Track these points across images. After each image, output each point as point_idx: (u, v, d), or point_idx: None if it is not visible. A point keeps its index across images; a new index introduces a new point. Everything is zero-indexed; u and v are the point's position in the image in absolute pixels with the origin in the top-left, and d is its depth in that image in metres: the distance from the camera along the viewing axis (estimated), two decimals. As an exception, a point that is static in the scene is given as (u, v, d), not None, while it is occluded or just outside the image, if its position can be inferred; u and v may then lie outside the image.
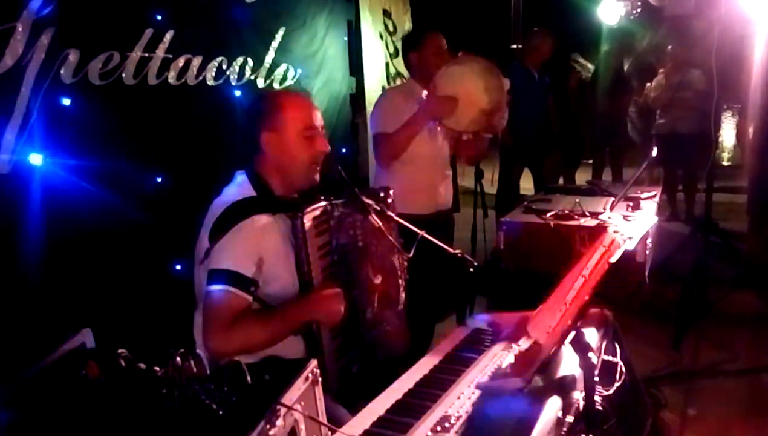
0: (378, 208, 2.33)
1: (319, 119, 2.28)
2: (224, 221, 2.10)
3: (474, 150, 3.85)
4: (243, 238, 2.07)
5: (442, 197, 3.76)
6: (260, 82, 4.05)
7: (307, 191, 2.28)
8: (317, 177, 2.27)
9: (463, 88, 3.43)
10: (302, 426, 1.50)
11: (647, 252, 3.48)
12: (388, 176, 3.57)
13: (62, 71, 2.88)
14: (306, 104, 2.28)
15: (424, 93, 3.56)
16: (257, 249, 2.09)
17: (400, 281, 2.45)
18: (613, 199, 3.83)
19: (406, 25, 5.76)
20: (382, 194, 2.46)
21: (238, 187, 2.22)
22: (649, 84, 7.63)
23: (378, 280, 2.35)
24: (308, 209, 2.15)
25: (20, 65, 2.72)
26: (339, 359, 2.23)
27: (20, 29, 2.70)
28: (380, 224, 2.27)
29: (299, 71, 4.37)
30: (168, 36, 3.32)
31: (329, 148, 2.28)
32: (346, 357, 2.26)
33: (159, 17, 3.27)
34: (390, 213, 2.39)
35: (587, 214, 3.63)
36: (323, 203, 2.21)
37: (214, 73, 3.66)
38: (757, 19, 5.08)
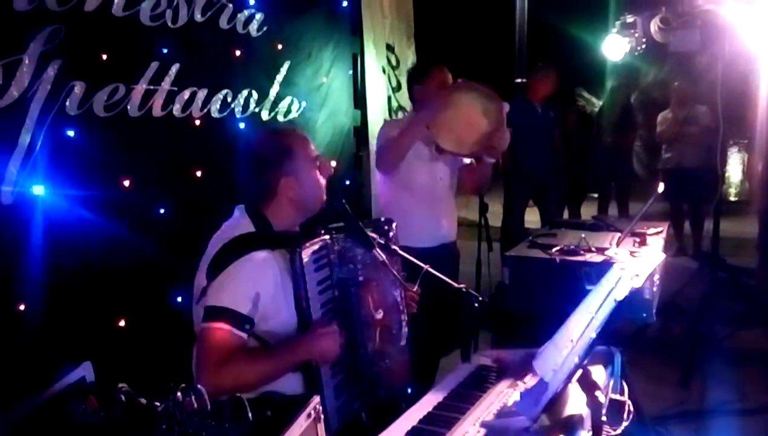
0: (381, 241, 2.30)
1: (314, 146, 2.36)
2: (221, 257, 2.09)
3: (478, 176, 3.83)
4: (240, 275, 2.05)
5: (445, 230, 3.74)
6: (264, 115, 4.06)
7: (310, 225, 2.27)
8: (325, 197, 2.33)
9: (462, 112, 3.50)
10: (304, 465, 1.48)
11: (654, 289, 3.44)
12: (390, 207, 3.56)
13: (67, 103, 2.89)
14: (305, 138, 2.34)
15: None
16: (254, 286, 2.06)
17: (402, 315, 2.41)
18: (619, 234, 3.80)
19: (410, 58, 5.79)
20: (385, 227, 2.44)
21: (237, 222, 2.22)
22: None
23: (379, 315, 2.31)
24: (307, 244, 2.13)
25: (26, 97, 2.74)
26: (339, 396, 2.19)
27: (27, 61, 2.73)
28: (384, 257, 2.24)
29: (304, 104, 4.39)
30: (174, 69, 3.34)
31: (332, 169, 2.37)
32: (346, 394, 2.22)
33: (165, 50, 3.30)
34: (394, 246, 2.36)
35: (593, 249, 3.60)
36: (324, 237, 2.19)
37: (218, 106, 3.67)
38: (761, 55, 5.10)
